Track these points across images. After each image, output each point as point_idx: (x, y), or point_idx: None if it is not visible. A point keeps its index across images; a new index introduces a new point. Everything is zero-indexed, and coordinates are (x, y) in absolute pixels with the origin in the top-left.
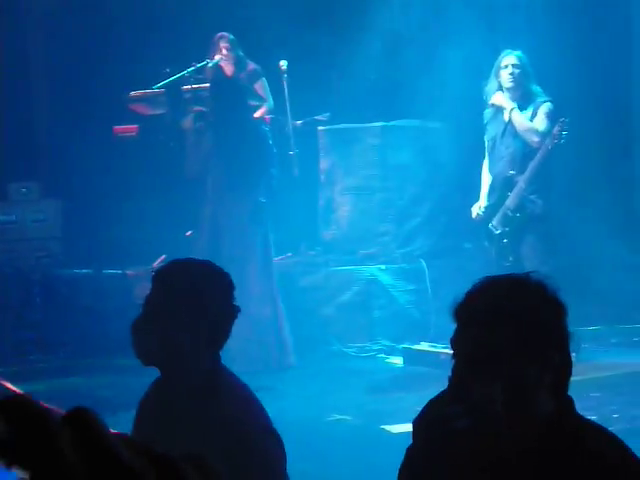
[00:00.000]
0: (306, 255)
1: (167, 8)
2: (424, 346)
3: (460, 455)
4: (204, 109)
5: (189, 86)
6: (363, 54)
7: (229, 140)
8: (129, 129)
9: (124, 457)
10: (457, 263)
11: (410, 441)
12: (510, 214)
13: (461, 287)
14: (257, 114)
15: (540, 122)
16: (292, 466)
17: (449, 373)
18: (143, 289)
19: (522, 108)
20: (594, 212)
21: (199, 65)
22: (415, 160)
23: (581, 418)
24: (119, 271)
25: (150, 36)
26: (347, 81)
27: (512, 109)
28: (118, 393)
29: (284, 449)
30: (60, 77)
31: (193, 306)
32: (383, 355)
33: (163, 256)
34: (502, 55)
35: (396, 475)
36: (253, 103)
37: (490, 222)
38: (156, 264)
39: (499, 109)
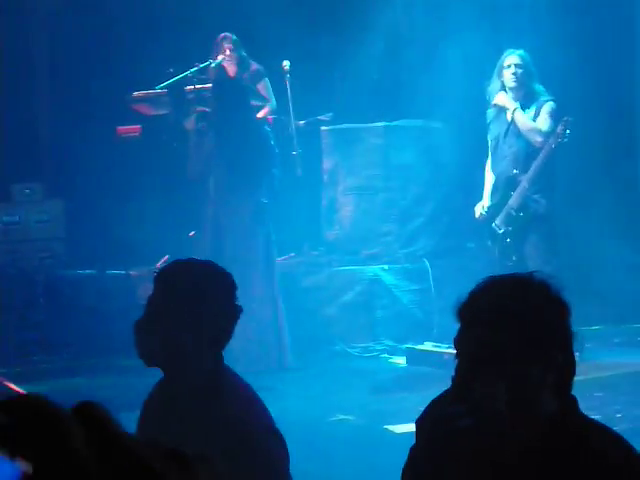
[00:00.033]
0: (309, 255)
1: (170, 8)
2: (427, 346)
3: (463, 454)
4: (207, 109)
5: (192, 86)
6: (366, 54)
7: (231, 141)
8: (132, 129)
9: (144, 456)
10: (460, 263)
11: (413, 441)
12: (514, 213)
13: (464, 287)
14: (260, 114)
15: (543, 122)
16: (295, 466)
17: (452, 373)
18: (146, 289)
19: (525, 107)
20: (597, 212)
21: (202, 65)
22: (418, 160)
23: (585, 418)
24: (122, 272)
25: (153, 36)
26: (350, 81)
27: (515, 109)
28: (121, 393)
29: (287, 449)
30: (63, 77)
31: (195, 306)
32: (386, 355)
33: (166, 256)
34: (505, 54)
35: (399, 475)
36: (256, 103)
37: (493, 222)
38: (159, 264)
39: (502, 109)
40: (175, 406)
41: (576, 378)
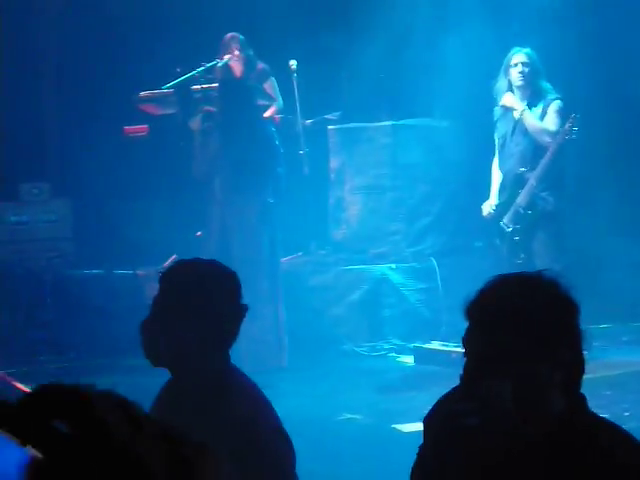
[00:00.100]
0: (316, 254)
1: (177, 8)
2: (435, 345)
3: (470, 452)
4: (213, 109)
5: (199, 86)
6: (373, 53)
7: (237, 141)
8: (139, 129)
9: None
10: (467, 261)
11: (421, 440)
12: (522, 211)
13: (472, 285)
14: (267, 114)
15: (551, 122)
16: (303, 465)
17: (460, 371)
18: (154, 289)
19: (532, 105)
20: (602, 209)
21: (209, 65)
22: (425, 159)
23: (594, 416)
24: (130, 271)
25: (160, 36)
26: (357, 80)
27: (523, 110)
28: (128, 393)
29: (293, 449)
30: (70, 77)
31: (200, 306)
32: (394, 354)
33: (174, 256)
34: (511, 53)
35: (407, 474)
36: (262, 103)
37: (501, 220)
38: (167, 264)
39: (509, 108)
40: (183, 406)
41: (584, 376)
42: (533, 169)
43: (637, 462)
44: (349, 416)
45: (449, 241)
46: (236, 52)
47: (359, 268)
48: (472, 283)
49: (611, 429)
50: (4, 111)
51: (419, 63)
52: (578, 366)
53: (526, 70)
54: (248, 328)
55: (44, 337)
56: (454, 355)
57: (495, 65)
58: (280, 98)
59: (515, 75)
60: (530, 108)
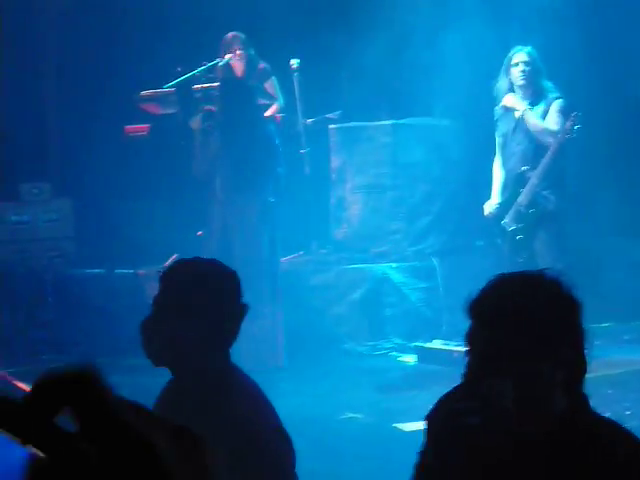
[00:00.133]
0: (317, 253)
1: (178, 7)
2: (436, 344)
3: (471, 451)
4: (213, 108)
5: (200, 85)
6: (373, 52)
7: (237, 140)
8: (140, 129)
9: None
10: (468, 261)
11: (422, 439)
12: (523, 210)
13: (473, 285)
14: (267, 113)
15: (553, 121)
16: (304, 464)
17: (462, 370)
18: (154, 289)
19: (533, 104)
20: (604, 209)
21: (210, 64)
22: (426, 158)
23: (595, 415)
24: (131, 271)
25: (161, 35)
26: (358, 79)
27: (525, 111)
28: (130, 393)
29: (293, 450)
30: (71, 77)
31: (200, 305)
32: (395, 353)
33: (175, 255)
34: (512, 52)
35: (408, 473)
36: (263, 102)
37: (502, 219)
38: (168, 264)
39: (510, 108)
40: (184, 405)
41: (586, 375)
42: (534, 168)
43: (638, 460)
44: (350, 415)
45: (450, 240)
46: (238, 51)
47: (360, 267)
48: (473, 282)
49: (612, 428)
50: (5, 111)
51: (419, 62)
52: (580, 365)
53: (527, 69)
54: (247, 327)
55: (45, 336)
56: (455, 354)
57: (496, 64)
58: (281, 97)
59: (516, 74)
60: (532, 107)
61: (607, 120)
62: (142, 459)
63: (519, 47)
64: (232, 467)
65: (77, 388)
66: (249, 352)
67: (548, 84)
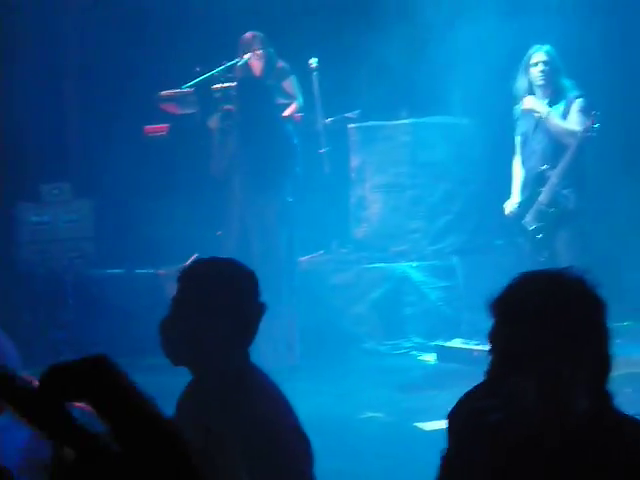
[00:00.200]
0: (338, 253)
1: (197, 7)
2: (456, 343)
3: (493, 449)
4: (232, 108)
5: (219, 85)
6: (393, 51)
7: (255, 140)
8: (159, 129)
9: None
10: (488, 260)
11: (443, 438)
12: (544, 209)
13: (492, 283)
14: (287, 112)
15: (575, 122)
16: (324, 464)
17: (483, 369)
18: (174, 289)
19: (553, 104)
20: (623, 207)
21: (229, 64)
22: (446, 157)
23: (619, 413)
24: (151, 271)
25: (180, 35)
26: (377, 78)
27: (548, 113)
28: (150, 392)
29: (311, 450)
30: (91, 77)
31: (219, 305)
32: (415, 352)
33: (195, 255)
34: (531, 51)
35: (429, 472)
36: (282, 101)
37: (523, 218)
38: (187, 263)
39: (531, 110)
40: (204, 405)
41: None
42: (554, 167)
43: None
44: (371, 414)
45: (469, 239)
46: (256, 50)
47: (380, 266)
48: (493, 281)
49: (637, 427)
50: (25, 111)
51: (439, 61)
52: (604, 364)
53: (546, 69)
54: (264, 326)
55: (65, 337)
56: (475, 353)
57: (515, 62)
58: (301, 97)
59: (535, 74)
60: (551, 106)
61: (624, 119)
62: (160, 441)
63: (537, 46)
64: (251, 466)
65: (92, 373)
66: (265, 351)
67: (567, 82)
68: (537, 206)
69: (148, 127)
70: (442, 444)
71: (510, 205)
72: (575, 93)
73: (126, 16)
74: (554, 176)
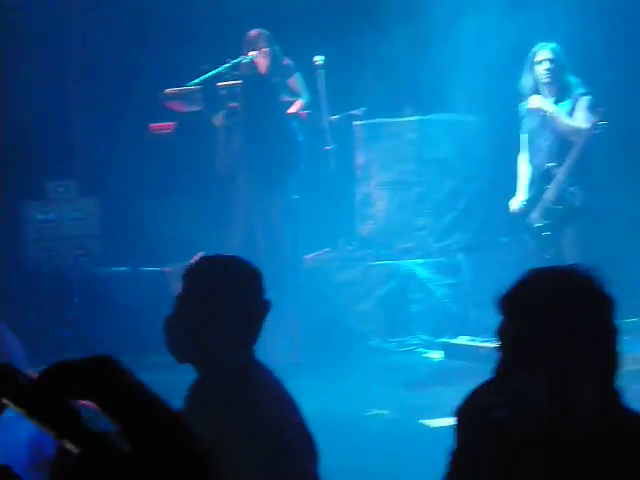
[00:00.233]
0: (343, 250)
1: (203, 5)
2: (463, 340)
3: (500, 445)
4: (237, 106)
5: (224, 83)
6: (398, 48)
7: (260, 137)
8: (165, 126)
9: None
10: (494, 257)
11: (449, 436)
12: (551, 206)
13: (498, 280)
14: (292, 109)
15: (582, 119)
16: (330, 461)
17: (489, 366)
18: (180, 286)
19: (559, 101)
20: (627, 204)
21: (234, 61)
22: (451, 154)
23: (628, 410)
24: (157, 268)
25: (186, 33)
26: (382, 75)
27: (554, 112)
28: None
29: (316, 448)
30: (96, 75)
31: (223, 302)
32: (421, 349)
33: (200, 253)
34: (536, 49)
35: (434, 469)
36: (287, 99)
37: (528, 215)
38: (194, 261)
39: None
40: (209, 402)
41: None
42: (561, 164)
43: None
44: (377, 412)
45: (475, 236)
46: (263, 48)
47: (386, 263)
48: (499, 278)
49: None
50: (30, 110)
51: (444, 58)
52: (612, 360)
53: (552, 66)
54: (268, 324)
55: (71, 335)
56: (482, 350)
57: (520, 59)
58: (306, 94)
59: (541, 72)
60: (557, 104)
61: (629, 116)
62: (168, 437)
63: (542, 43)
64: (255, 464)
65: (97, 372)
66: (270, 348)
67: (573, 79)
68: (543, 203)
69: (153, 125)
70: (448, 441)
71: (516, 202)
72: (581, 90)
73: (130, 15)
74: (560, 173)
